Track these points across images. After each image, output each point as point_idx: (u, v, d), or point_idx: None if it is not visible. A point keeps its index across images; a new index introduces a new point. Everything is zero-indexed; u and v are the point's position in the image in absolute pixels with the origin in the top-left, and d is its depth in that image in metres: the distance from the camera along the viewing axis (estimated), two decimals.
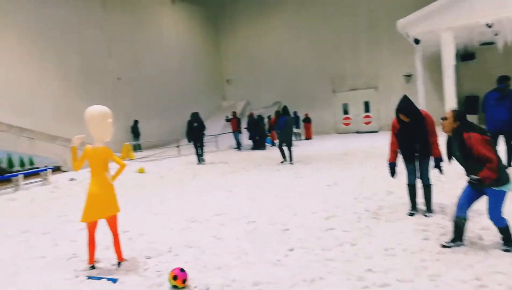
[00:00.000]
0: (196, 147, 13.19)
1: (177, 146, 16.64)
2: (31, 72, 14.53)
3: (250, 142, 17.41)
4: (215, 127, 20.96)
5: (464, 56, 18.15)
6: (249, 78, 26.08)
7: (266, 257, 3.92)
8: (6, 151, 10.59)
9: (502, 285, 2.95)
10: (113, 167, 3.98)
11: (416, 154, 4.83)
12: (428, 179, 4.91)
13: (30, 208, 7.81)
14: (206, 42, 26.37)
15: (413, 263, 3.46)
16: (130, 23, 19.75)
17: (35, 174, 10.43)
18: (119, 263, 3.99)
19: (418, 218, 4.80)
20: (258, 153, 15.24)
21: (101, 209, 3.85)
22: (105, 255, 4.27)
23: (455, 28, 13.32)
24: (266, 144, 17.22)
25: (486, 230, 4.04)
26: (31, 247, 4.97)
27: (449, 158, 3.82)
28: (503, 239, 3.60)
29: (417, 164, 4.91)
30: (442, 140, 4.27)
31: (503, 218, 3.54)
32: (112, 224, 3.98)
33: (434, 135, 4.73)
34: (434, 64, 16.49)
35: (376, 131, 21.83)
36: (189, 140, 13.45)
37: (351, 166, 9.78)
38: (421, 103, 14.43)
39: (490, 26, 12.62)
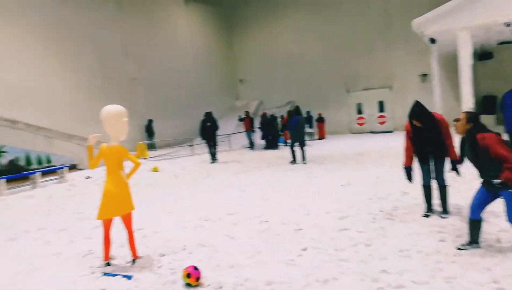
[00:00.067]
0: (209, 146, 13.27)
1: (191, 145, 16.74)
2: (49, 72, 14.80)
3: (263, 142, 17.41)
4: (228, 126, 21.01)
5: (482, 55, 17.78)
6: (262, 78, 26.07)
7: (279, 256, 3.92)
8: (24, 149, 10.81)
9: None
10: (128, 165, 4.04)
11: (430, 155, 4.78)
12: (443, 180, 4.84)
13: (47, 205, 7.96)
14: (220, 42, 26.46)
15: (428, 265, 3.41)
16: (145, 24, 19.95)
17: (52, 172, 10.63)
18: (133, 260, 4.03)
19: (434, 219, 4.73)
20: (271, 152, 15.23)
21: (116, 207, 3.90)
22: (120, 252, 4.33)
23: (472, 27, 13.05)
24: (279, 143, 17.19)
25: (504, 232, 3.96)
26: (48, 243, 5.07)
27: (462, 159, 3.77)
28: None
29: (432, 165, 4.85)
30: (457, 142, 4.22)
31: None
32: (127, 221, 4.03)
33: (449, 138, 4.68)
34: (450, 63, 16.19)
35: (390, 131, 21.58)
36: (203, 139, 13.54)
37: (365, 166, 9.69)
38: (437, 103, 14.20)
39: (508, 25, 12.34)
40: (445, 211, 4.86)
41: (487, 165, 3.44)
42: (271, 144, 16.88)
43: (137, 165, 4.12)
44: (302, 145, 11.31)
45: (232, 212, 5.90)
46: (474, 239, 3.69)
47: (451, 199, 5.02)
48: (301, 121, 11.56)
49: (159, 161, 13.07)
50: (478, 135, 3.44)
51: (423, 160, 4.87)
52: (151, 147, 17.83)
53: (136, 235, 4.30)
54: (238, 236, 4.70)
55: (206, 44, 24.85)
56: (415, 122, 4.65)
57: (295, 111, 11.98)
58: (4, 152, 10.34)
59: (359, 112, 23.69)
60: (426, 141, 4.70)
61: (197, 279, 3.35)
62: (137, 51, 19.20)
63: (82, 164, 11.77)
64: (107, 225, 3.97)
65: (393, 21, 21.74)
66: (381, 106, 22.95)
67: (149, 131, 18.84)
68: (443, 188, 4.86)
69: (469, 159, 3.65)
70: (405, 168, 4.93)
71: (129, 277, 3.64)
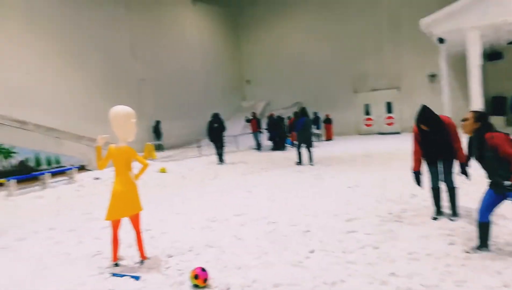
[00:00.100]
0: (216, 148, 13.30)
1: (198, 146, 16.79)
2: (58, 74, 14.94)
3: (270, 143, 17.39)
4: (235, 127, 21.02)
5: (491, 55, 17.58)
6: (270, 79, 26.05)
7: (286, 258, 3.91)
8: (34, 150, 10.94)
9: None
10: (136, 166, 4.06)
11: (438, 157, 4.74)
12: (452, 182, 4.79)
13: (56, 205, 8.03)
14: (227, 43, 26.51)
15: (438, 268, 3.38)
16: (153, 25, 20.06)
17: (61, 172, 10.73)
18: (141, 261, 4.05)
19: (443, 222, 4.68)
20: (278, 154, 15.21)
21: (125, 208, 3.93)
22: (128, 253, 4.35)
23: (482, 27, 12.93)
24: (286, 145, 17.16)
25: None
26: (57, 243, 5.11)
27: (469, 158, 3.74)
28: None
29: (440, 166, 4.80)
30: (465, 142, 4.19)
31: None
32: (135, 222, 4.05)
33: (458, 141, 4.63)
34: (459, 63, 16.05)
35: (398, 133, 21.44)
36: (210, 141, 13.59)
37: (373, 168, 9.64)
38: (446, 103, 14.09)
39: None
40: (454, 213, 4.81)
41: (496, 165, 3.40)
42: (278, 145, 16.86)
43: (145, 166, 4.14)
44: (309, 146, 11.28)
45: (239, 213, 5.91)
46: (483, 242, 3.65)
47: (460, 202, 4.97)
48: (307, 122, 11.54)
49: (167, 162, 13.13)
50: (487, 135, 3.41)
51: (431, 162, 4.84)
52: (159, 148, 17.91)
53: (144, 236, 4.31)
54: (245, 237, 4.70)
55: (213, 45, 24.91)
56: (422, 126, 4.62)
57: (301, 113, 11.96)
58: (14, 152, 10.46)
59: (367, 113, 23.56)
60: (434, 144, 4.67)
61: (205, 280, 3.36)
62: (145, 52, 19.32)
63: (91, 165, 11.86)
64: (115, 225, 4.00)
65: (401, 21, 21.60)
66: (389, 107, 22.81)
67: (157, 132, 18.93)
68: (452, 190, 4.81)
69: (476, 159, 3.61)
70: (414, 172, 4.88)
71: (137, 278, 3.66)
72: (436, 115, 4.59)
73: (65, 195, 9.05)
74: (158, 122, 19.01)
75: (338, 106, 23.31)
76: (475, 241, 3.74)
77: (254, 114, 18.27)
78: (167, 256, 4.22)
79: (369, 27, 22.71)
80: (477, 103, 12.66)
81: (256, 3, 26.40)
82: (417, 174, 4.86)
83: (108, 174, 9.76)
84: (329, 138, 20.87)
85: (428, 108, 4.61)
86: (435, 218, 4.83)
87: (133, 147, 4.07)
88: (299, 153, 11.38)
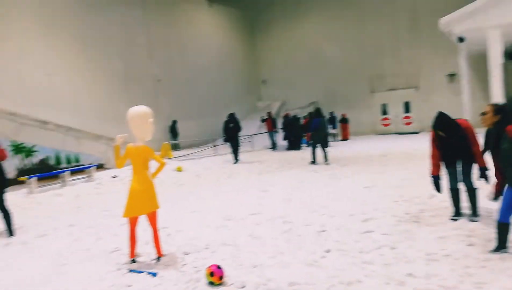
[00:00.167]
0: (232, 147, 13.36)
1: (214, 146, 16.89)
2: (78, 75, 15.24)
3: (285, 143, 17.36)
4: (251, 127, 21.05)
5: None
6: (285, 79, 25.99)
7: (302, 257, 3.90)
8: (54, 149, 11.20)
9: None
10: (153, 165, 4.11)
11: (457, 158, 4.67)
12: (471, 182, 4.70)
13: (75, 203, 8.21)
14: (242, 43, 26.58)
15: (457, 270, 3.32)
16: (169, 26, 20.26)
17: (81, 171, 10.96)
18: (158, 258, 4.11)
19: (462, 223, 4.59)
20: (293, 153, 15.17)
21: (142, 206, 3.98)
22: (145, 249, 4.41)
23: (503, 25, 12.62)
24: (302, 144, 17.09)
25: None
26: (76, 240, 5.22)
27: (485, 151, 3.67)
28: None
29: (459, 167, 4.71)
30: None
31: None
32: (152, 220, 4.10)
33: (476, 145, 4.54)
34: (479, 62, 15.71)
35: (417, 132, 21.10)
36: (226, 141, 13.67)
37: (390, 168, 9.51)
38: (466, 103, 13.80)
39: None
40: (474, 214, 4.72)
41: None
42: (294, 144, 16.81)
43: (162, 165, 4.19)
44: (323, 146, 11.24)
45: (255, 212, 5.92)
46: (502, 243, 3.57)
47: (481, 202, 4.86)
48: (322, 123, 11.49)
49: (183, 161, 13.25)
50: (508, 127, 3.34)
51: (450, 163, 4.76)
52: (175, 147, 18.09)
53: (160, 233, 4.37)
54: (261, 236, 4.70)
55: (229, 46, 25.01)
56: (439, 132, 4.56)
57: (316, 113, 11.90)
58: (35, 151, 10.73)
59: (384, 112, 23.27)
60: (452, 147, 4.60)
61: (220, 277, 3.38)
62: (161, 52, 19.53)
63: (109, 164, 12.07)
64: (133, 223, 4.06)
65: (420, 19, 21.26)
66: (407, 107, 22.48)
67: (173, 131, 19.11)
68: (472, 191, 4.72)
69: (493, 152, 3.55)
70: (433, 176, 4.79)
71: (154, 274, 3.71)
72: (453, 120, 4.52)
73: (84, 192, 9.24)
74: (174, 122, 19.19)
75: (355, 106, 23.10)
76: (495, 242, 3.66)
77: (269, 114, 18.27)
78: (183, 254, 4.26)
79: (387, 26, 22.43)
80: None
81: (273, 3, 26.37)
82: (436, 179, 4.77)
83: (125, 172, 9.92)
84: (345, 138, 20.70)
85: (444, 114, 4.55)
86: (454, 219, 4.74)
87: (150, 146, 4.13)
88: (314, 153, 11.34)
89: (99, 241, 5.08)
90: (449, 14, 13.60)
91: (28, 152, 10.60)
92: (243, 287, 3.34)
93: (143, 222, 4.49)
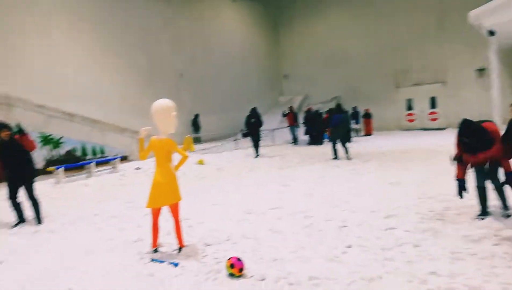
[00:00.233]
0: (253, 141, 13.39)
1: (235, 140, 16.96)
2: (103, 69, 15.56)
3: (306, 137, 17.25)
4: (272, 122, 21.04)
5: None
6: (307, 74, 25.81)
7: (322, 252, 3.88)
8: (81, 141, 11.54)
9: None
10: (176, 158, 4.17)
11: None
12: (499, 181, 4.55)
13: (100, 193, 8.42)
14: (265, 38, 26.52)
15: (482, 269, 3.23)
16: (192, 21, 20.40)
17: (105, 162, 11.23)
18: (179, 249, 4.17)
19: (489, 221, 4.45)
20: (315, 148, 15.07)
21: (165, 197, 4.05)
22: (167, 240, 4.49)
23: None
24: (324, 139, 16.94)
25: None
26: (101, 230, 5.36)
27: (504, 142, 3.53)
28: None
29: (486, 166, 4.56)
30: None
31: None
32: (174, 211, 4.16)
33: (501, 150, 4.36)
34: (510, 57, 15.14)
35: (443, 128, 20.55)
36: (247, 135, 13.71)
37: (414, 164, 9.31)
38: (495, 99, 13.32)
39: None
40: (505, 207, 4.60)
41: None
42: (316, 139, 16.68)
43: (184, 157, 4.24)
44: (345, 141, 11.11)
45: (275, 207, 5.92)
46: None
47: (509, 201, 4.70)
48: (343, 119, 11.35)
49: (205, 154, 13.38)
50: None
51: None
52: (197, 140, 18.27)
53: (182, 224, 4.43)
54: (282, 230, 4.70)
55: (252, 41, 25.00)
56: (464, 139, 4.40)
57: (336, 109, 11.75)
58: (62, 142, 11.06)
59: (409, 108, 22.78)
60: (478, 150, 4.43)
61: (240, 269, 3.40)
62: (185, 47, 19.71)
63: (133, 156, 12.32)
64: (155, 213, 4.14)
65: (447, 12, 20.63)
66: (433, 102, 21.92)
67: (196, 125, 19.30)
68: (499, 188, 4.58)
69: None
70: (458, 180, 4.65)
71: (175, 264, 3.77)
72: (478, 126, 4.33)
73: (108, 183, 9.47)
74: (197, 116, 19.36)
75: (379, 101, 22.71)
76: None
77: (291, 108, 18.20)
78: (205, 245, 4.31)
79: (413, 20, 21.89)
80: None
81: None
82: (461, 183, 4.63)
83: (149, 164, 10.10)
84: (368, 133, 20.39)
85: (469, 121, 4.37)
86: (480, 218, 4.60)
87: (173, 139, 4.18)
88: (334, 149, 11.23)
89: (122, 231, 5.19)
90: (478, 7, 13.11)
91: (55, 143, 10.93)
92: (263, 279, 3.35)
93: (165, 213, 4.57)
